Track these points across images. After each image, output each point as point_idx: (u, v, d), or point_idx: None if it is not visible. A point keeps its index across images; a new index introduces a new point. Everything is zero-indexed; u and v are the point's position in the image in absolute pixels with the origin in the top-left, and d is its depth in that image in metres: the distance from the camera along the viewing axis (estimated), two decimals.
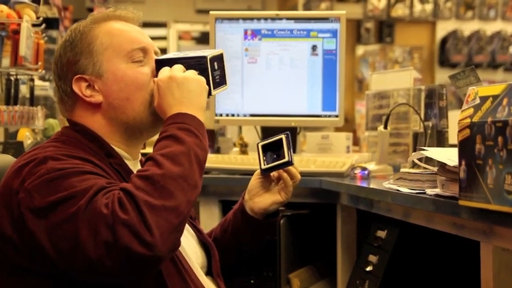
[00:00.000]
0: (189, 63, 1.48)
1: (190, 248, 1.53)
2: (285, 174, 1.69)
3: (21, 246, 1.29)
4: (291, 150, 1.65)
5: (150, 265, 1.23)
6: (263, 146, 1.68)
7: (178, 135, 1.35)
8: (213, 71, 1.49)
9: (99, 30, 1.48)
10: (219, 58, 1.51)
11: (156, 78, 1.45)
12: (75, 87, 1.46)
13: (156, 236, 1.21)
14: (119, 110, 1.46)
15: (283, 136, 1.66)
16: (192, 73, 1.45)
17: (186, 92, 1.42)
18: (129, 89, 1.46)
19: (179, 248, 1.45)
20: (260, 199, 1.71)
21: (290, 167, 1.68)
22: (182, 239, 1.49)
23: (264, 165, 1.68)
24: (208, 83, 1.47)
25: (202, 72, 1.47)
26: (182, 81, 1.42)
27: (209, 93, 1.47)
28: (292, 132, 2.56)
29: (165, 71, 1.45)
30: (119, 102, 1.46)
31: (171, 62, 1.48)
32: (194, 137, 1.36)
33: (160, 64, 1.48)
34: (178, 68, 1.46)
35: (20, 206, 1.28)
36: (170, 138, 1.35)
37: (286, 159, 1.64)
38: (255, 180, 1.72)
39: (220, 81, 1.51)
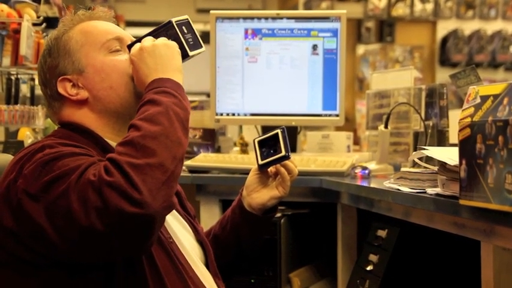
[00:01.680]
0: (158, 33, 1.50)
1: (189, 244, 1.53)
2: (282, 169, 1.69)
3: (21, 235, 1.29)
4: (288, 145, 1.65)
5: (144, 225, 1.22)
6: (259, 142, 1.69)
7: (154, 98, 1.35)
8: (184, 34, 1.50)
9: (72, 32, 1.51)
10: (187, 23, 1.52)
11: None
12: (60, 89, 1.49)
13: (145, 193, 1.20)
14: (105, 100, 1.48)
15: (279, 131, 1.66)
16: (162, 40, 1.46)
17: (158, 58, 1.43)
18: (110, 77, 1.48)
19: (177, 244, 1.46)
20: (258, 195, 1.71)
21: (287, 162, 1.68)
22: (180, 235, 1.50)
23: (261, 160, 1.68)
24: (182, 46, 1.48)
25: (173, 37, 1.48)
26: (152, 49, 1.43)
27: (186, 55, 1.49)
28: (293, 132, 2.56)
29: (136, 46, 1.46)
30: (103, 92, 1.48)
31: (141, 40, 1.50)
32: (172, 97, 1.37)
33: (132, 47, 1.49)
34: (147, 39, 1.47)
35: (17, 192, 1.29)
36: (147, 103, 1.35)
37: (283, 153, 1.64)
38: (252, 176, 1.72)
39: (194, 44, 1.51)
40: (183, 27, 1.50)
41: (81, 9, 1.56)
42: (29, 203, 1.27)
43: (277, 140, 1.66)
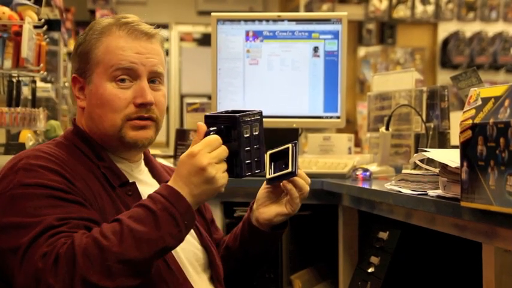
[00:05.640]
0: (226, 127, 1.40)
1: (188, 249, 1.51)
2: (289, 186, 1.57)
3: None
4: (296, 161, 1.55)
5: None
6: (271, 155, 1.59)
7: (159, 219, 1.29)
8: (249, 150, 1.41)
9: (100, 42, 1.50)
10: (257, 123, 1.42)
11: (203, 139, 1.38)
12: (72, 84, 1.54)
13: None
14: (94, 122, 1.51)
15: (290, 145, 1.57)
16: (215, 170, 1.35)
17: (197, 181, 1.34)
18: (103, 108, 1.48)
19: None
20: (265, 210, 1.61)
21: (296, 178, 1.57)
22: None
23: (270, 174, 1.58)
24: (239, 164, 1.39)
25: (237, 142, 1.39)
26: (199, 172, 1.34)
27: (238, 175, 1.41)
28: (294, 134, 2.56)
29: (191, 150, 1.36)
30: (94, 115, 1.50)
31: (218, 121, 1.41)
32: (175, 227, 1.31)
33: (207, 119, 1.41)
34: (204, 153, 1.35)
35: None
36: (151, 215, 1.30)
37: (290, 169, 1.55)
38: (262, 190, 1.63)
39: (258, 163, 1.42)
40: (253, 139, 1.40)
41: (122, 17, 1.53)
42: None
43: (288, 154, 1.56)
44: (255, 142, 1.42)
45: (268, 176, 1.58)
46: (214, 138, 1.36)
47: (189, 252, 1.52)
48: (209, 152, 1.35)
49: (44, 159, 1.39)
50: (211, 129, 1.39)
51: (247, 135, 1.40)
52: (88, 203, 1.38)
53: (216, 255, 1.60)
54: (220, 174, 1.35)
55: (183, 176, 1.35)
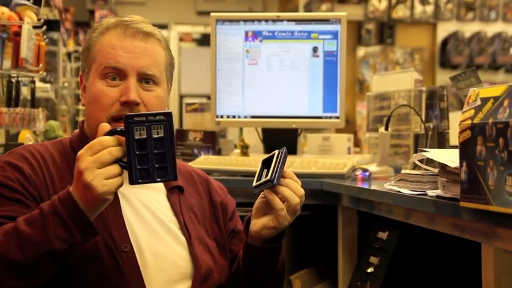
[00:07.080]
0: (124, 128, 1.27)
1: (165, 256, 1.46)
2: (271, 196, 1.44)
3: None
4: (279, 169, 1.43)
5: None
6: (263, 161, 1.50)
7: (47, 222, 1.25)
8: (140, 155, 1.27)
9: (99, 40, 1.52)
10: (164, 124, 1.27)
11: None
12: (79, 82, 1.58)
13: None
14: (87, 119, 1.53)
15: (276, 152, 1.46)
16: (94, 175, 1.24)
17: (82, 187, 1.25)
18: (93, 105, 1.49)
19: (136, 254, 1.42)
20: (256, 221, 1.50)
21: (283, 188, 1.44)
22: (160, 245, 1.46)
23: (256, 181, 1.46)
24: (130, 171, 1.27)
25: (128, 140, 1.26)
26: (78, 176, 1.25)
27: (133, 182, 1.28)
28: (293, 134, 2.56)
29: (91, 146, 1.26)
30: (87, 112, 1.53)
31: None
32: (66, 232, 1.25)
33: (127, 118, 1.28)
34: (84, 157, 1.25)
35: None
36: (41, 218, 1.26)
37: (268, 177, 1.42)
38: (258, 199, 1.52)
39: (162, 172, 1.28)
40: (152, 143, 1.26)
41: (124, 17, 1.54)
42: None
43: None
44: (156, 146, 1.27)
45: (253, 184, 1.46)
46: (98, 141, 1.26)
47: (166, 259, 1.46)
48: (90, 155, 1.25)
49: (17, 156, 1.43)
50: (110, 130, 1.29)
51: (141, 137, 1.26)
52: (37, 202, 1.38)
53: (208, 266, 1.51)
54: (99, 180, 1.23)
55: (74, 179, 1.27)
